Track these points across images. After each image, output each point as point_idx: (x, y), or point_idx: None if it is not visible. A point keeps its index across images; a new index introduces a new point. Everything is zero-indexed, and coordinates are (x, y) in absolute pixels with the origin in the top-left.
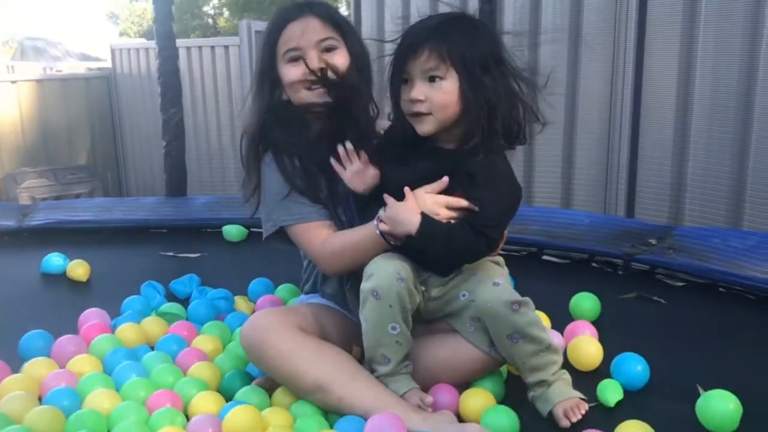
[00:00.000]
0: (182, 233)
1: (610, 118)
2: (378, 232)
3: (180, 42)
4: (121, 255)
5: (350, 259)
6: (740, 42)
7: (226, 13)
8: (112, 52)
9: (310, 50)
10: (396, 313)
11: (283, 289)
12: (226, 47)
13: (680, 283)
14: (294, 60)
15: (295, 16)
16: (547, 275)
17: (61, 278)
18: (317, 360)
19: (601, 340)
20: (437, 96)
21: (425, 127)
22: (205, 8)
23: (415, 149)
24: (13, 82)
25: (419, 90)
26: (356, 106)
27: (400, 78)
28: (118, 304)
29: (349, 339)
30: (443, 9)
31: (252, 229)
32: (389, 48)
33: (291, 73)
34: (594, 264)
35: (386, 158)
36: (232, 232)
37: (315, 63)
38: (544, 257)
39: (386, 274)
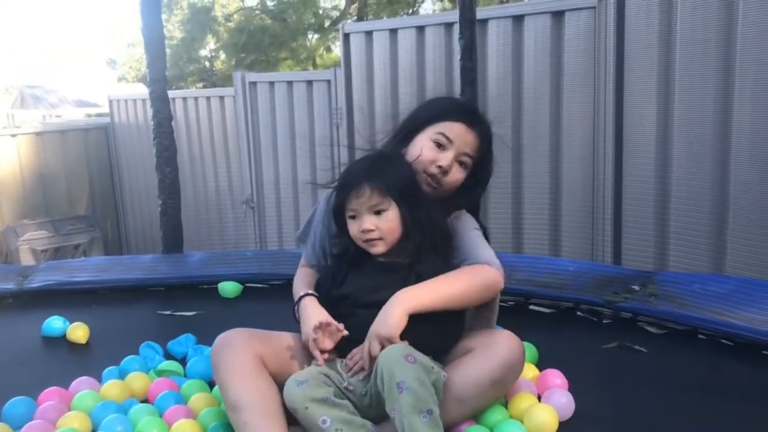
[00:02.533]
0: (179, 290)
1: (593, 167)
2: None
3: (176, 93)
4: (119, 315)
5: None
6: (713, 92)
7: (223, 56)
8: (110, 102)
9: (453, 151)
10: (314, 412)
11: None
12: (221, 98)
13: (662, 331)
14: (438, 145)
15: (470, 123)
16: (534, 325)
17: (61, 341)
18: (244, 383)
19: (572, 389)
20: (384, 225)
21: (378, 250)
22: (202, 52)
23: (365, 264)
24: (13, 135)
25: (369, 222)
26: None
27: (345, 214)
28: (117, 364)
29: None
30: (428, 61)
31: (247, 285)
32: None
33: (428, 152)
34: (579, 312)
35: (345, 274)
36: (228, 288)
37: (447, 162)
38: (531, 307)
39: (287, 390)
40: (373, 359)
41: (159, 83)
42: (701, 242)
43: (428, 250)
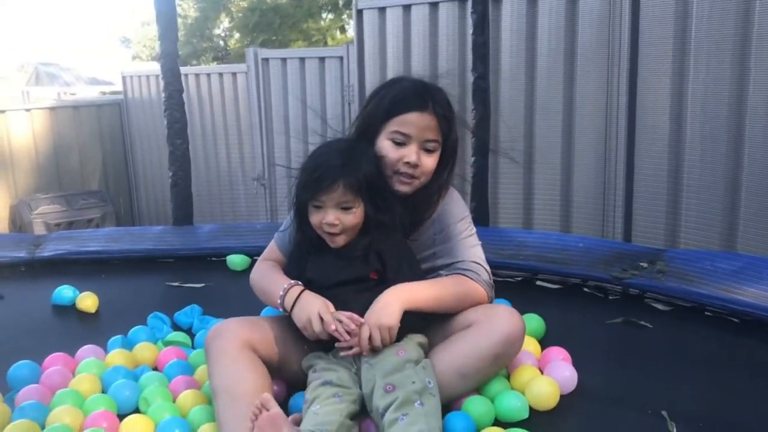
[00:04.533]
0: (188, 262)
1: (606, 143)
2: (281, 309)
3: (189, 69)
4: (128, 285)
5: (257, 289)
6: (729, 71)
7: (237, 35)
8: (123, 79)
9: (415, 143)
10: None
11: None
12: (234, 74)
13: (669, 308)
14: (397, 143)
15: (420, 109)
16: (540, 300)
17: (70, 310)
18: (224, 372)
19: (576, 364)
20: (349, 221)
21: (339, 242)
22: (216, 31)
23: (324, 249)
24: (27, 110)
25: (333, 216)
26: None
27: (310, 204)
28: (125, 334)
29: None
30: (442, 37)
31: (255, 258)
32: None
33: (390, 152)
34: (585, 289)
35: (305, 260)
36: (236, 261)
37: (413, 157)
38: (538, 282)
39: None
40: (372, 348)
41: (170, 57)
42: (713, 220)
43: (387, 232)
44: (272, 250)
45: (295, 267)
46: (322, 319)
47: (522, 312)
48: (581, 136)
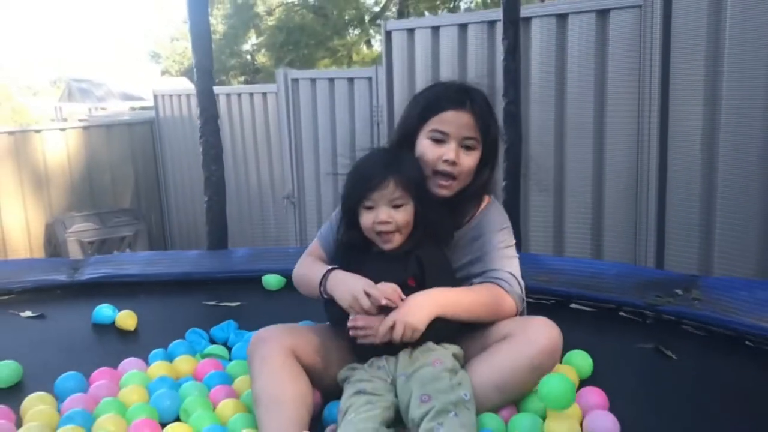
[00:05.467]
0: (223, 284)
1: (637, 168)
2: (323, 296)
3: (220, 89)
4: (166, 305)
5: (298, 280)
6: (763, 96)
7: (264, 50)
8: (155, 97)
9: (453, 141)
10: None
11: None
12: (264, 94)
13: (704, 334)
14: (436, 141)
15: (458, 107)
16: (577, 322)
17: (110, 328)
18: (269, 379)
19: (612, 405)
20: (401, 218)
21: (391, 245)
22: (244, 46)
23: (364, 255)
24: (62, 129)
25: (386, 214)
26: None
27: (361, 204)
28: (165, 348)
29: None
30: (470, 59)
31: (290, 278)
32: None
33: (429, 150)
34: (622, 313)
35: (347, 263)
36: (271, 281)
37: (452, 155)
38: (572, 305)
39: None
40: (390, 340)
41: (205, 80)
42: (748, 247)
43: (428, 240)
44: (315, 246)
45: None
46: (368, 295)
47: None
48: (612, 161)
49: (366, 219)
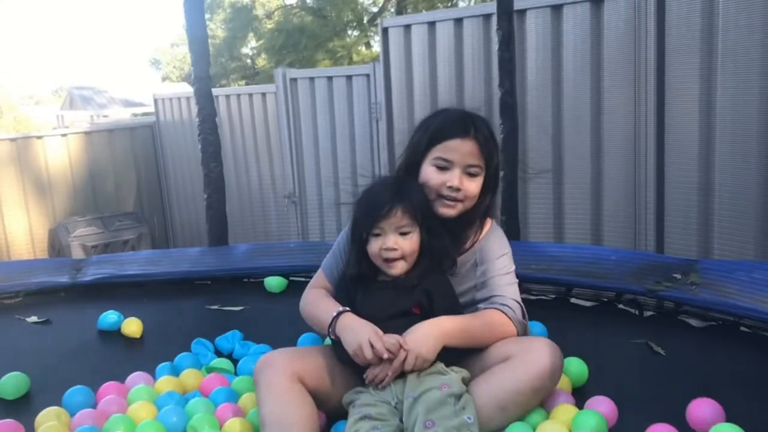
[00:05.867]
0: (225, 284)
1: (635, 154)
2: (331, 337)
3: (220, 91)
4: (170, 309)
5: (307, 315)
6: (757, 78)
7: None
8: (155, 101)
9: (458, 168)
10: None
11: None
12: (263, 94)
13: (702, 324)
14: (441, 168)
15: (462, 135)
16: (576, 319)
17: (116, 335)
18: (275, 405)
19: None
20: (408, 245)
21: (396, 271)
22: (244, 50)
23: (371, 284)
24: (63, 135)
25: (393, 241)
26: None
27: (370, 232)
28: (170, 360)
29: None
30: (467, 53)
31: (291, 278)
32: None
33: (434, 177)
34: (620, 305)
35: (354, 292)
36: (273, 283)
37: (456, 182)
38: (572, 300)
39: None
40: (399, 372)
41: (203, 81)
42: (746, 229)
43: (433, 269)
44: (320, 278)
45: (344, 297)
46: (372, 346)
47: (560, 334)
48: (610, 148)
49: (374, 246)
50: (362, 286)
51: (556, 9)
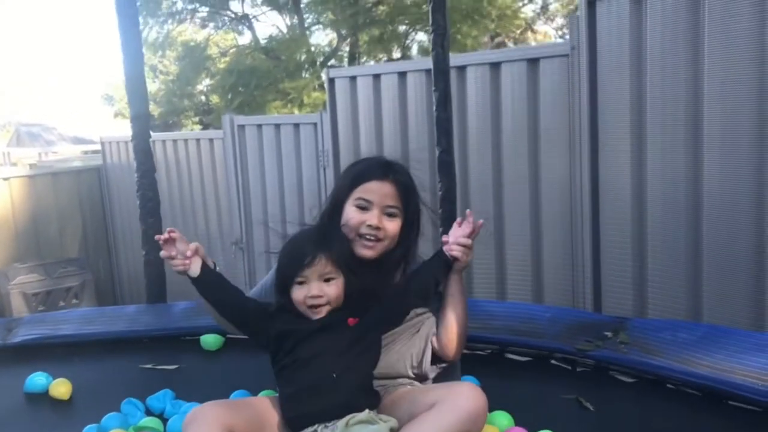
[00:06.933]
0: (161, 343)
1: (571, 215)
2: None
3: (167, 135)
4: (102, 369)
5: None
6: (683, 148)
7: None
8: (102, 144)
9: (376, 208)
10: None
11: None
12: (211, 140)
13: (633, 380)
14: (361, 208)
15: (381, 178)
16: (510, 374)
17: (43, 397)
18: None
19: None
20: (332, 291)
21: (321, 315)
22: (198, 87)
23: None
24: (6, 179)
25: (318, 288)
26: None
27: (294, 280)
28: (98, 422)
29: None
30: (410, 105)
31: (228, 336)
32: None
33: (354, 216)
34: (553, 361)
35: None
36: (209, 341)
37: (375, 220)
38: (507, 355)
39: None
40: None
41: (141, 120)
42: (678, 289)
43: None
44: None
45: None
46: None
47: (495, 387)
48: (548, 208)
49: (298, 294)
50: (293, 329)
51: (495, 66)
